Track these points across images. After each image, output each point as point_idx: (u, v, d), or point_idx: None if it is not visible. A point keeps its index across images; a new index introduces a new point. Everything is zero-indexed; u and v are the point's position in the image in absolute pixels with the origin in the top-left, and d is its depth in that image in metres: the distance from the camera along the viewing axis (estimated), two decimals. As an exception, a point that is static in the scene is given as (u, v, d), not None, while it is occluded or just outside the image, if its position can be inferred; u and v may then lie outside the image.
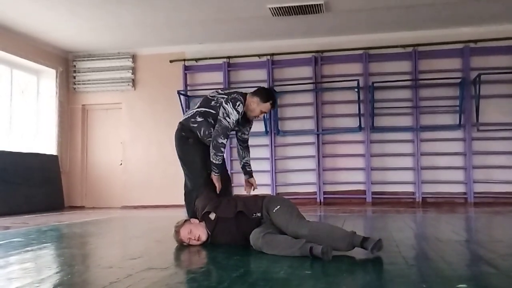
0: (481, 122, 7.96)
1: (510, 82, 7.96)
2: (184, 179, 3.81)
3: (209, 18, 7.57)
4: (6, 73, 8.35)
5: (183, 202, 3.82)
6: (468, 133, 8.02)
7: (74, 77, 9.47)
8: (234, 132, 3.90)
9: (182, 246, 3.22)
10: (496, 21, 7.82)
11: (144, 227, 5.21)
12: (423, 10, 7.27)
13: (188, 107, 8.78)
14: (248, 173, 3.96)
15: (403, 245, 3.14)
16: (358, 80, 8.06)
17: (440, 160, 8.16)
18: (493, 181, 7.96)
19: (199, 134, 3.61)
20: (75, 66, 9.45)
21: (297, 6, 6.96)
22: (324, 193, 8.43)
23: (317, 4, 6.90)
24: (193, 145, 3.64)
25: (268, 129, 8.46)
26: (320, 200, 8.38)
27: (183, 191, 3.82)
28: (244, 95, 3.61)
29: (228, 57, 8.83)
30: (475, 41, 8.03)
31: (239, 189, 8.18)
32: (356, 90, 8.07)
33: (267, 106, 3.60)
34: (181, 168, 3.80)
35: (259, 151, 8.27)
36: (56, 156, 8.97)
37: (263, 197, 3.23)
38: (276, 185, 8.56)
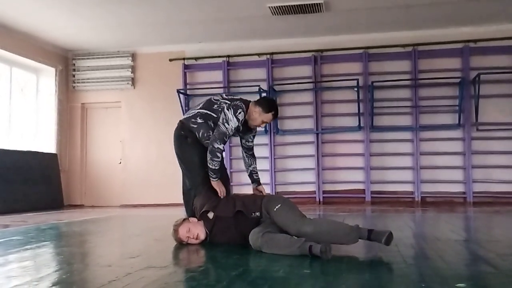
0: (481, 122, 7.97)
1: (510, 82, 7.97)
2: (182, 178, 3.81)
3: (209, 17, 7.57)
4: (5, 71, 8.34)
5: (182, 201, 3.82)
6: (468, 133, 8.02)
7: (74, 76, 9.46)
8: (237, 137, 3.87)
9: (181, 245, 3.22)
10: (495, 21, 7.82)
11: (143, 225, 5.21)
12: (422, 9, 7.27)
13: (187, 106, 8.78)
14: (256, 181, 3.82)
15: (402, 244, 3.14)
16: (357, 80, 8.05)
17: (440, 160, 8.16)
18: (492, 181, 7.97)
19: (197, 135, 3.61)
20: (74, 64, 9.44)
21: (296, 5, 6.95)
22: (324, 192, 8.43)
23: (316, 3, 6.90)
24: (192, 144, 3.63)
25: (267, 128, 8.46)
26: (320, 199, 8.38)
27: (182, 190, 3.82)
28: (247, 103, 3.58)
29: (228, 56, 8.82)
30: (475, 41, 8.03)
31: (239, 188, 8.22)
32: (356, 89, 8.07)
33: (268, 116, 3.56)
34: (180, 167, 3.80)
35: (259, 150, 8.17)
36: (55, 155, 8.97)
37: (262, 196, 3.24)
38: (275, 184, 8.57)
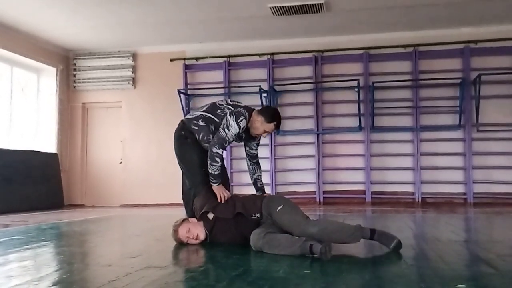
0: (481, 123, 7.96)
1: (510, 83, 7.96)
2: (182, 178, 3.81)
3: (210, 17, 7.57)
4: (6, 71, 8.35)
5: (182, 201, 3.82)
6: (468, 134, 8.01)
7: (75, 75, 9.47)
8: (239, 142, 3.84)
9: (181, 245, 3.22)
10: (496, 22, 7.81)
11: (144, 225, 5.21)
12: (423, 10, 7.27)
13: (188, 106, 8.78)
14: (260, 189, 3.80)
15: (403, 245, 3.14)
16: (358, 80, 8.05)
17: (440, 160, 8.15)
18: (492, 182, 7.96)
19: (197, 137, 3.60)
20: (75, 64, 9.45)
21: (297, 5, 6.95)
22: (324, 192, 8.43)
23: (317, 4, 6.90)
24: (191, 144, 3.63)
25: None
26: (320, 200, 8.38)
27: (181, 190, 3.82)
28: (250, 111, 3.55)
29: (229, 56, 8.83)
30: (476, 42, 8.03)
31: (239, 188, 8.22)
32: (356, 90, 8.06)
33: (270, 126, 3.52)
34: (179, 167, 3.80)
35: (259, 150, 8.24)
36: (56, 154, 8.98)
37: (262, 197, 3.23)
38: (275, 184, 8.57)
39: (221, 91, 8.81)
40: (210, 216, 3.24)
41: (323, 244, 2.60)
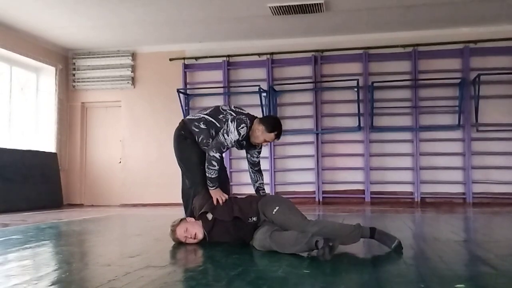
0: (480, 123, 7.97)
1: (510, 83, 7.96)
2: (181, 177, 3.81)
3: (209, 17, 7.57)
4: (5, 70, 8.34)
5: (181, 201, 3.82)
6: (467, 134, 8.02)
7: (74, 75, 9.46)
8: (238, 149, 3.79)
9: (181, 245, 3.22)
10: (495, 22, 7.82)
11: (143, 225, 5.21)
12: (423, 10, 7.27)
13: (187, 105, 8.77)
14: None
15: (402, 244, 3.14)
16: (357, 80, 8.05)
17: (439, 160, 8.16)
18: (492, 182, 7.97)
19: (196, 139, 3.60)
20: (74, 63, 9.44)
21: (297, 5, 6.95)
22: (323, 192, 8.43)
23: (317, 4, 6.90)
24: (190, 144, 3.63)
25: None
26: (319, 200, 8.38)
27: (181, 189, 3.82)
28: (252, 119, 3.54)
29: (228, 56, 8.82)
30: (475, 42, 8.03)
31: (238, 188, 8.23)
32: (356, 89, 8.06)
33: (271, 136, 3.50)
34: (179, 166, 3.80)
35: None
36: (55, 154, 8.97)
37: (257, 199, 3.21)
38: (275, 184, 8.57)
39: (221, 90, 8.81)
40: (209, 216, 3.24)
41: (323, 245, 2.55)
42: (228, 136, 3.45)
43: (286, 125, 8.51)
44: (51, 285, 2.13)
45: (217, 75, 8.90)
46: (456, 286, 2.00)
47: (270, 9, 7.13)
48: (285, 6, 6.99)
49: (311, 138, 8.53)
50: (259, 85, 8.25)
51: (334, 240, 2.57)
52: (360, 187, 8.37)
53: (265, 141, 3.53)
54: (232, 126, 3.45)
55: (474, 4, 7.08)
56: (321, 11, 7.20)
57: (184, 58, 8.98)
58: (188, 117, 3.80)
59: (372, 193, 8.26)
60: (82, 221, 5.54)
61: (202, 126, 3.58)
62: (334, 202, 8.33)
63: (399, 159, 8.29)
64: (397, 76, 8.22)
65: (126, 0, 6.85)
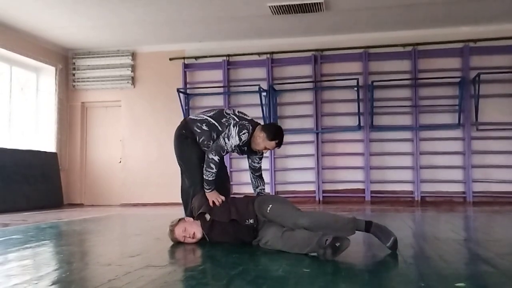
0: (480, 122, 7.97)
1: (510, 82, 7.96)
2: (181, 176, 3.81)
3: (209, 16, 7.57)
4: (5, 70, 8.34)
5: (181, 200, 3.82)
6: (467, 133, 8.02)
7: (74, 75, 9.46)
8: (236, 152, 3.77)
9: (181, 244, 3.22)
10: (495, 21, 7.81)
11: (143, 225, 5.21)
12: (423, 9, 7.27)
13: (187, 105, 8.77)
14: None
15: (402, 244, 3.13)
16: (357, 79, 8.05)
17: (439, 159, 8.16)
18: (492, 181, 7.97)
19: (197, 139, 3.60)
20: (74, 63, 9.44)
21: (297, 4, 6.95)
22: (323, 191, 8.43)
23: (317, 3, 6.90)
24: (191, 143, 3.63)
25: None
26: (319, 199, 8.38)
27: (180, 188, 3.82)
28: (255, 125, 3.53)
29: (228, 55, 8.82)
30: (475, 41, 8.03)
31: (238, 187, 8.23)
32: (356, 89, 8.06)
33: (272, 144, 3.48)
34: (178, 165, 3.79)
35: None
36: (55, 154, 8.97)
37: (253, 200, 3.22)
38: (275, 184, 8.57)
39: (221, 90, 8.81)
40: (207, 217, 3.24)
41: (326, 244, 2.53)
42: (229, 140, 3.45)
43: (286, 124, 8.53)
44: (51, 284, 2.13)
45: (217, 74, 8.90)
46: (456, 285, 2.00)
47: (270, 8, 7.13)
48: (285, 5, 6.99)
49: (311, 137, 8.53)
50: (259, 85, 8.25)
51: (342, 240, 2.54)
52: (360, 186, 8.37)
53: (266, 148, 3.51)
54: (233, 131, 3.44)
55: (474, 3, 7.07)
56: (321, 11, 7.20)
57: (184, 58, 8.98)
58: (190, 116, 3.80)
59: (372, 192, 8.26)
60: (82, 221, 5.54)
61: (204, 127, 3.58)
62: (334, 201, 8.33)
63: (399, 158, 8.30)
64: (397, 75, 8.22)
65: (126, 0, 6.85)
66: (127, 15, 7.47)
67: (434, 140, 8.19)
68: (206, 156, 3.46)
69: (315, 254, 2.61)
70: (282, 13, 7.32)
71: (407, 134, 8.29)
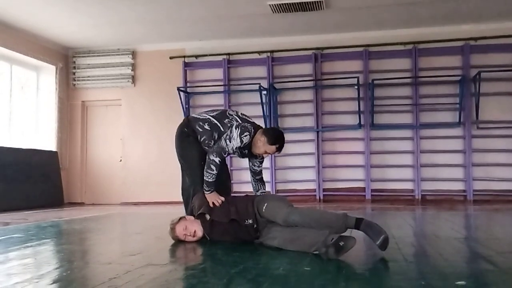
0: (481, 120, 7.96)
1: (510, 80, 7.95)
2: (181, 175, 3.81)
3: (210, 15, 7.56)
4: (6, 69, 8.34)
5: (182, 199, 3.82)
6: (468, 131, 8.01)
7: (74, 73, 9.46)
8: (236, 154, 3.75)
9: (181, 243, 3.22)
10: (496, 19, 7.80)
11: (144, 223, 5.22)
12: (423, 7, 7.26)
13: (188, 103, 8.77)
14: None
15: (402, 242, 3.15)
16: (358, 77, 8.04)
17: (440, 158, 8.16)
18: (492, 179, 7.96)
19: (199, 137, 3.60)
20: (75, 62, 9.44)
21: (297, 3, 6.94)
22: (324, 190, 8.43)
23: (317, 1, 6.89)
24: (193, 142, 3.62)
25: (268, 126, 8.45)
26: (320, 197, 8.38)
27: (181, 187, 3.82)
28: (257, 128, 3.51)
29: (228, 54, 8.82)
30: (475, 39, 8.02)
31: (239, 186, 8.22)
32: (356, 87, 8.06)
33: (272, 148, 3.46)
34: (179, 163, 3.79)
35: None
36: (55, 152, 8.97)
37: (252, 200, 3.22)
38: (275, 182, 8.57)
39: (221, 88, 8.81)
40: (207, 216, 3.25)
41: (328, 243, 2.52)
42: (230, 142, 3.44)
43: (287, 123, 8.54)
44: (52, 283, 2.13)
45: (218, 73, 8.89)
46: (456, 283, 2.01)
47: (270, 7, 7.12)
48: (285, 4, 6.98)
49: (311, 136, 8.53)
50: (259, 83, 8.24)
51: (347, 239, 2.52)
52: (360, 184, 8.37)
53: (266, 152, 3.49)
54: (235, 133, 3.43)
55: (474, 1, 7.06)
56: (321, 9, 7.19)
57: (184, 56, 8.98)
58: (193, 115, 3.79)
59: (372, 190, 8.26)
60: (82, 220, 5.55)
61: (206, 127, 3.57)
62: (334, 200, 8.33)
63: (400, 156, 8.29)
64: (398, 74, 8.21)
65: (126, -2, 6.85)
66: (127, 13, 7.46)
67: (434, 139, 8.19)
68: (207, 157, 3.45)
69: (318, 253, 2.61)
70: (283, 12, 7.31)
71: (408, 133, 8.28)
